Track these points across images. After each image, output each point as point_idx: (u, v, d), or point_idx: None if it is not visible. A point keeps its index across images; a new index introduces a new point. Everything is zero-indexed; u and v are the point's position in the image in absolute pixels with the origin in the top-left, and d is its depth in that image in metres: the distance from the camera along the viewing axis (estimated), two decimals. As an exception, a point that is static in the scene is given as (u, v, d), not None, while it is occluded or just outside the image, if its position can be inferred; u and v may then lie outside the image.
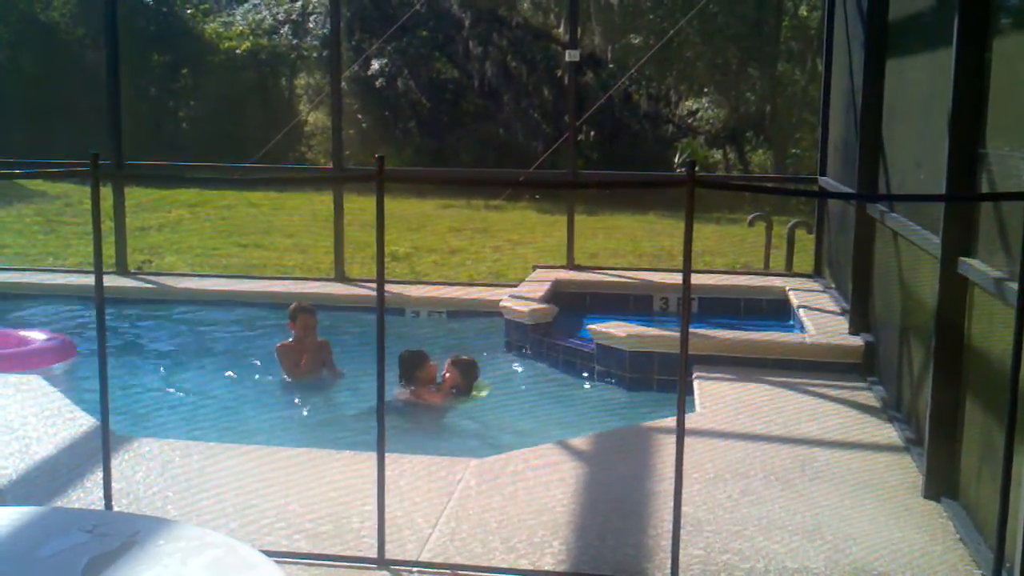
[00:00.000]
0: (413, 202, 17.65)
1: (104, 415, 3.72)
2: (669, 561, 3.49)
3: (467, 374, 6.90)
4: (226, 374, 7.38)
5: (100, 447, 3.80)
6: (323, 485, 4.40)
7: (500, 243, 14.08)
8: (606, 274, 9.32)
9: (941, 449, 4.37)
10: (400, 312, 8.55)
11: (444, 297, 8.85)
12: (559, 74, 22.19)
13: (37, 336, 7.52)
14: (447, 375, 6.90)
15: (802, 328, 7.34)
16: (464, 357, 7.01)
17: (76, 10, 24.89)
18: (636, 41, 21.54)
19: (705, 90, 22.49)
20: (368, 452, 4.16)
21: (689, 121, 22.73)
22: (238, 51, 24.88)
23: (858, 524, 4.07)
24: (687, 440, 3.51)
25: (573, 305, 8.56)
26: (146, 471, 4.51)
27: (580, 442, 5.13)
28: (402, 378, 6.84)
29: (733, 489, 4.42)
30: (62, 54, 23.82)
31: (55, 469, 4.58)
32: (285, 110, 24.07)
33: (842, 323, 7.12)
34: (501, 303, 7.98)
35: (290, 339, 7.24)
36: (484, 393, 6.96)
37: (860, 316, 6.78)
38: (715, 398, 5.89)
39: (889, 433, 5.26)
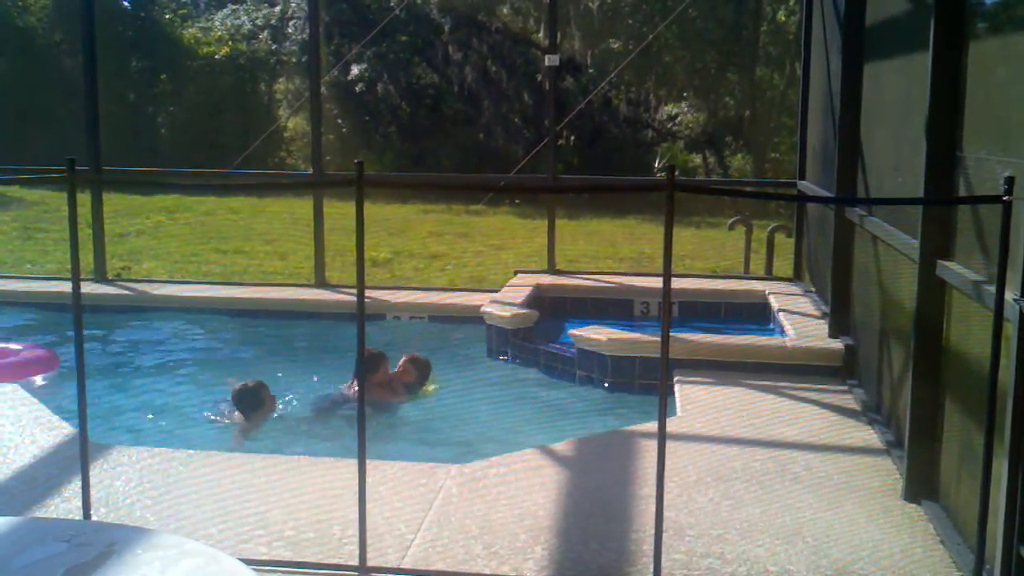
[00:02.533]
0: (393, 207, 17.62)
1: (82, 423, 3.69)
2: (651, 565, 3.48)
3: (423, 373, 7.00)
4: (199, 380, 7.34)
5: (78, 455, 3.77)
6: (304, 492, 4.38)
7: (481, 248, 14.06)
8: (587, 279, 9.32)
9: (921, 451, 4.39)
10: (381, 317, 8.53)
11: (425, 302, 8.83)
12: (539, 79, 22.20)
13: (19, 348, 7.45)
14: (402, 371, 6.93)
15: (782, 332, 7.36)
16: (421, 356, 7.04)
17: (53, 15, 24.74)
18: (615, 46, 21.58)
19: (684, 95, 22.56)
20: (349, 459, 4.14)
21: (669, 126, 22.79)
22: (217, 56, 24.78)
23: (838, 527, 4.08)
24: (668, 444, 3.52)
25: (554, 310, 8.57)
26: (125, 479, 4.47)
27: (562, 447, 5.13)
28: (354, 377, 6.84)
29: (714, 493, 4.42)
30: (39, 59, 23.67)
31: (33, 478, 4.54)
32: (264, 115, 23.98)
33: (822, 326, 7.14)
34: (482, 308, 7.97)
35: None
36: (432, 387, 7.03)
37: (840, 319, 6.81)
38: (696, 402, 5.90)
39: (869, 436, 5.28)
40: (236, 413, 6.27)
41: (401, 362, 7.00)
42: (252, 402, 6.24)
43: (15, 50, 23.76)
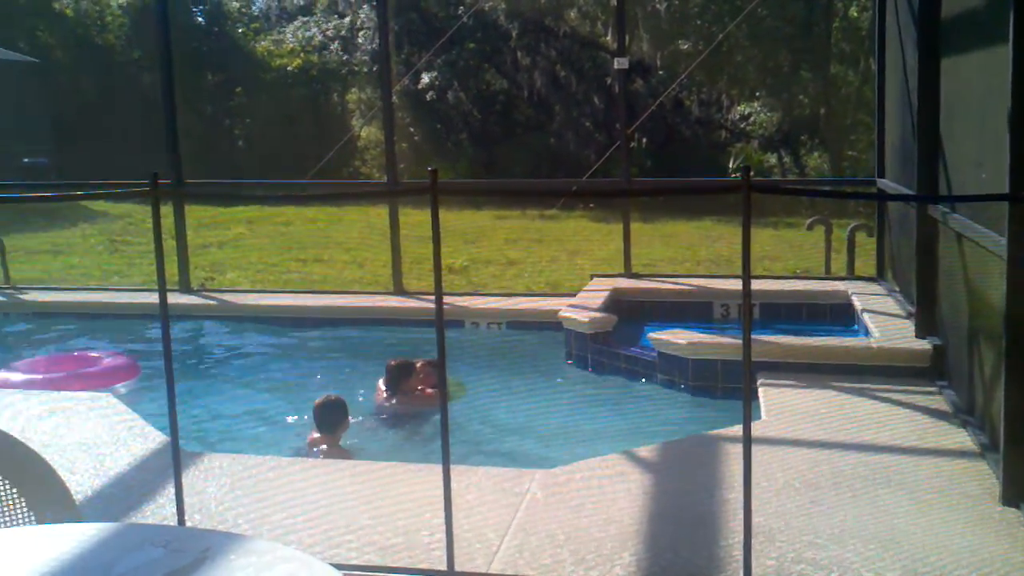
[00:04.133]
0: (468, 214, 17.71)
1: (173, 431, 3.76)
2: (742, 572, 3.43)
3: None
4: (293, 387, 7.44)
5: (171, 463, 3.84)
6: (391, 498, 4.41)
7: (557, 253, 14.05)
8: (664, 282, 9.25)
9: (1018, 454, 4.26)
10: (459, 324, 8.56)
11: (502, 308, 8.83)
12: (608, 82, 22.14)
13: (101, 356, 7.65)
14: (424, 376, 6.94)
15: (867, 332, 7.22)
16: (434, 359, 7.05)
17: (131, 33, 25.41)
18: (685, 47, 21.43)
19: (757, 94, 22.30)
20: (435, 464, 4.16)
21: (742, 126, 22.55)
22: (289, 68, 25.19)
23: (934, 532, 3.98)
24: (754, 448, 3.46)
25: (632, 314, 8.51)
26: (217, 486, 4.55)
27: (645, 452, 5.09)
28: (388, 388, 6.87)
29: (803, 498, 4.35)
30: (119, 76, 24.31)
31: (128, 485, 4.64)
32: (338, 125, 24.31)
33: (908, 326, 6.99)
34: (560, 313, 7.95)
35: None
36: (456, 385, 7.03)
37: (926, 319, 6.65)
38: (780, 405, 5.81)
39: (962, 438, 5.15)
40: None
41: (419, 367, 7.00)
42: (333, 417, 6.23)
43: (96, 68, 24.45)
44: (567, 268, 12.71)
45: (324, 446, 5.91)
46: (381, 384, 6.99)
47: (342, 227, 16.54)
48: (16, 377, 7.11)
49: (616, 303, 8.47)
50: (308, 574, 2.27)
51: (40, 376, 7.09)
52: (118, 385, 7.22)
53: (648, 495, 4.45)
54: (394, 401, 6.83)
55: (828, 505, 4.26)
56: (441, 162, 21.76)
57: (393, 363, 6.93)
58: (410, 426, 6.64)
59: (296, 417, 6.66)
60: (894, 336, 6.79)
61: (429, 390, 6.86)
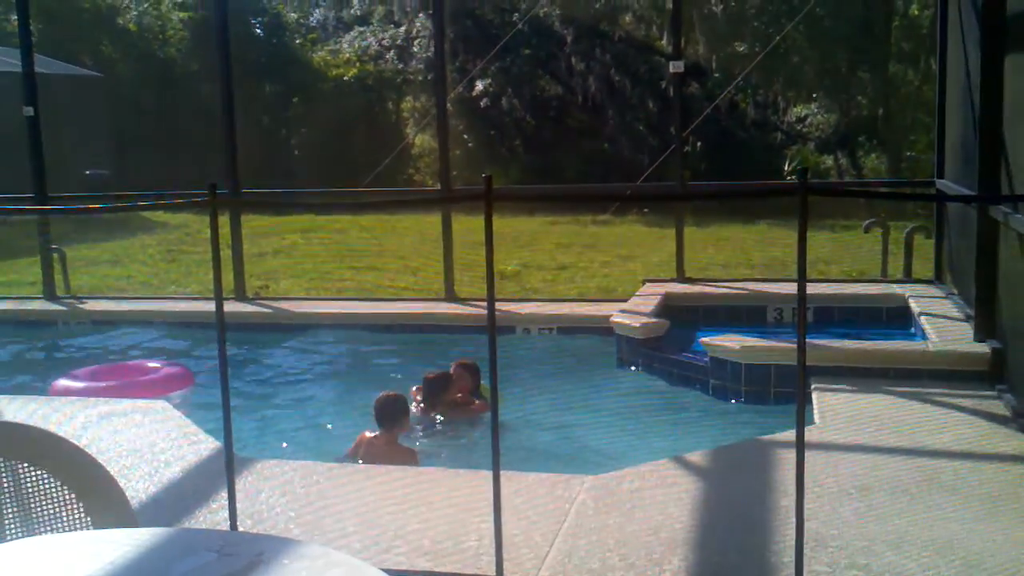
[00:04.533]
0: (520, 220, 17.72)
1: (227, 437, 3.81)
2: (793, 578, 3.40)
3: (475, 374, 6.94)
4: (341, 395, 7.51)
5: (224, 469, 3.90)
6: (440, 504, 4.43)
7: (609, 258, 14.02)
8: (718, 286, 9.19)
9: (1079, 459, 4.17)
10: (511, 330, 8.58)
11: (554, 314, 8.83)
12: (663, 86, 22.04)
13: (157, 365, 7.78)
14: (458, 381, 6.90)
15: (924, 336, 7.10)
16: (466, 360, 7.02)
17: (191, 45, 25.84)
18: (741, 49, 21.27)
19: (814, 95, 22.07)
20: (484, 471, 4.17)
21: (798, 128, 22.32)
22: (346, 78, 25.43)
23: (991, 539, 3.90)
24: (807, 454, 3.42)
25: (685, 319, 8.46)
26: (268, 492, 4.61)
27: (696, 457, 5.06)
28: (425, 401, 6.79)
29: (857, 504, 4.29)
30: (179, 88, 24.72)
31: (182, 491, 4.72)
32: (392, 133, 24.49)
33: (967, 330, 6.86)
34: (612, 318, 7.93)
35: None
36: (485, 384, 6.96)
37: (986, 322, 6.53)
38: (835, 410, 5.74)
39: (1021, 443, 5.04)
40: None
41: (452, 370, 6.98)
42: (393, 414, 6.18)
43: (157, 81, 24.89)
44: (619, 273, 12.67)
45: (382, 444, 5.91)
46: (416, 395, 6.92)
47: (395, 235, 16.65)
48: (76, 385, 7.26)
49: (668, 308, 8.43)
50: (358, 578, 2.29)
51: (98, 384, 7.23)
52: (173, 394, 7.34)
53: (698, 501, 4.43)
54: (433, 414, 6.78)
55: (883, 511, 4.20)
56: (494, 168, 21.81)
57: (431, 376, 6.85)
58: (454, 432, 6.66)
59: (330, 427, 6.69)
60: (952, 339, 6.68)
61: (472, 402, 6.85)
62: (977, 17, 6.83)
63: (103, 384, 7.24)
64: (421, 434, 6.60)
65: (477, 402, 6.88)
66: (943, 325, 7.13)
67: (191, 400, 7.26)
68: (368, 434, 6.01)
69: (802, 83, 21.85)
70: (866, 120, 21.48)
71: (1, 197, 10.68)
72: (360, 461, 5.79)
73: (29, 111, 10.10)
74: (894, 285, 8.87)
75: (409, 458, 5.81)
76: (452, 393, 6.85)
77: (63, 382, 7.36)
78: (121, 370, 7.74)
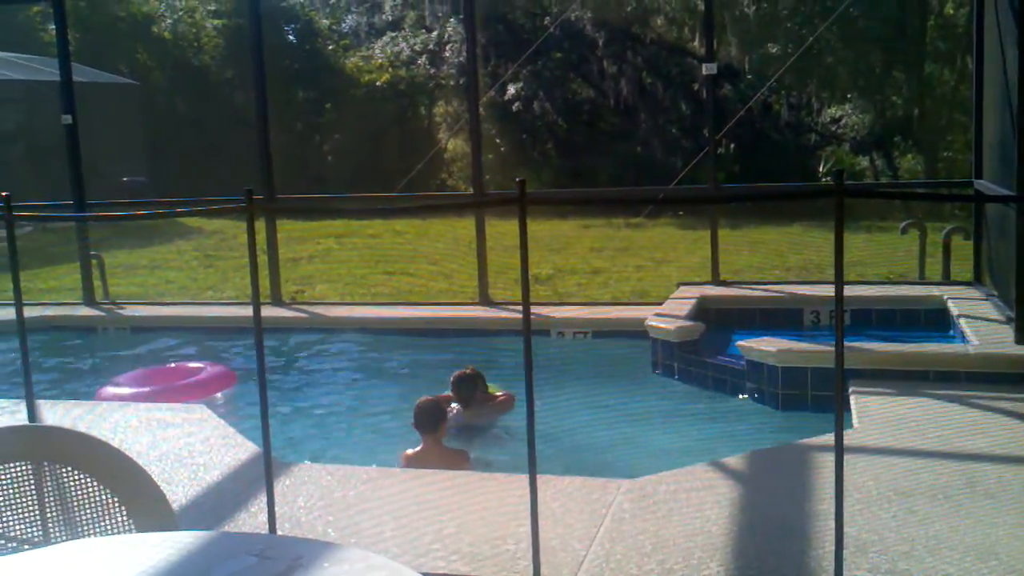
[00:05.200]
0: (553, 223, 17.72)
1: (266, 442, 3.84)
2: (833, 583, 3.37)
3: (481, 378, 6.91)
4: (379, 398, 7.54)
5: (263, 473, 3.92)
6: (478, 507, 4.44)
7: (643, 261, 13.98)
8: (753, 289, 9.14)
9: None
10: (545, 334, 8.57)
11: (588, 317, 8.82)
12: (696, 88, 21.96)
13: (201, 367, 7.86)
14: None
15: (964, 338, 7.02)
16: (463, 371, 6.94)
17: (225, 53, 26.07)
18: (774, 50, 21.15)
19: (848, 96, 21.89)
20: (521, 475, 4.18)
21: (832, 129, 22.15)
22: (378, 83, 25.55)
23: (1035, 544, 3.86)
24: (846, 458, 3.40)
25: (720, 322, 8.42)
26: (306, 496, 4.64)
27: (733, 461, 5.03)
28: (462, 400, 6.75)
29: (897, 508, 4.25)
30: (213, 96, 24.95)
31: (221, 495, 4.76)
32: (425, 138, 24.56)
33: (1007, 332, 6.78)
34: (646, 321, 7.91)
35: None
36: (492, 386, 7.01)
37: (1027, 324, 6.45)
38: (873, 414, 5.69)
39: (1065, 447, 4.98)
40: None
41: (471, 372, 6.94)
42: (436, 417, 6.18)
43: (192, 88, 25.14)
44: (653, 276, 12.63)
45: (431, 450, 5.89)
46: (448, 401, 6.83)
47: (428, 240, 16.70)
48: (119, 390, 7.34)
49: (703, 311, 8.39)
50: (397, 582, 2.30)
51: (142, 388, 7.31)
52: (217, 394, 7.42)
53: (736, 505, 4.40)
54: (466, 413, 6.75)
55: (923, 515, 4.16)
56: (526, 172, 21.82)
57: (466, 372, 6.82)
58: (488, 435, 6.65)
59: (351, 429, 6.72)
60: (993, 342, 6.60)
61: (500, 394, 6.87)
62: (1014, 15, 6.75)
63: (149, 388, 7.30)
64: (457, 433, 6.62)
65: (501, 394, 6.89)
66: (983, 327, 7.05)
67: (234, 402, 7.32)
68: (410, 451, 5.94)
69: (836, 84, 21.69)
70: (901, 120, 21.28)
71: (41, 204, 10.82)
72: None
73: (67, 119, 10.23)
74: (932, 287, 8.78)
75: (462, 460, 5.82)
76: (484, 395, 6.86)
77: (109, 388, 7.43)
78: (165, 373, 7.82)
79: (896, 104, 21.37)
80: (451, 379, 6.83)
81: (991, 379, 6.17)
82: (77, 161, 10.39)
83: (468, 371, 6.86)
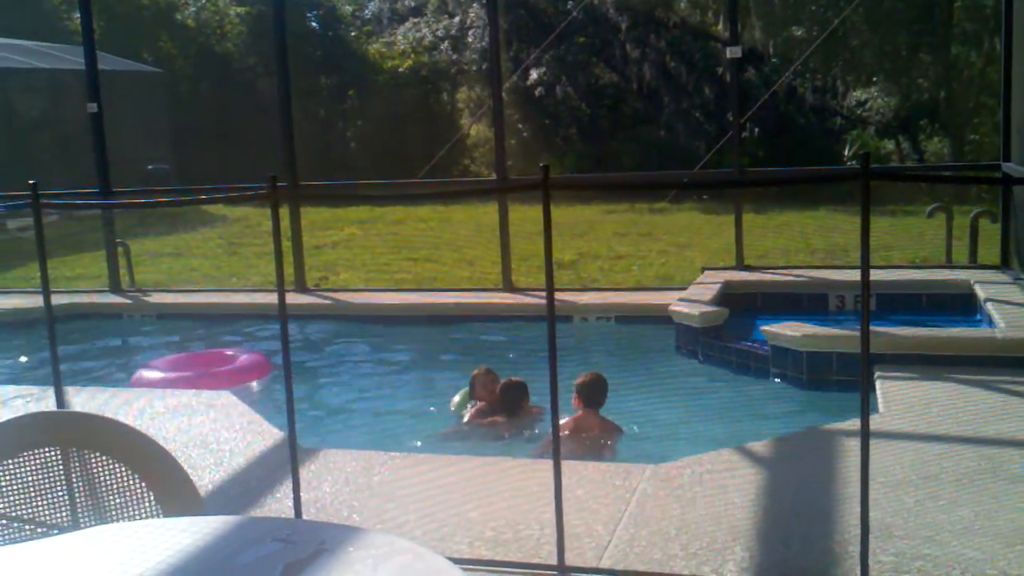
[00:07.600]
0: (576, 208, 17.68)
1: (291, 428, 3.86)
2: (859, 568, 3.36)
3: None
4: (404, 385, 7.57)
5: (288, 459, 3.95)
6: (502, 493, 4.45)
7: (666, 246, 13.94)
8: (777, 274, 9.10)
9: None
10: (568, 319, 8.57)
11: (612, 303, 8.82)
12: (720, 72, 21.82)
13: (238, 355, 7.89)
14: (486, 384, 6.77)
15: (991, 322, 6.97)
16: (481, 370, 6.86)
17: (248, 40, 26.13)
18: (799, 33, 20.99)
19: (874, 79, 21.69)
20: (545, 460, 4.18)
21: (858, 112, 21.96)
22: (400, 70, 25.55)
23: (1063, 529, 3.83)
24: (871, 443, 3.38)
25: (744, 306, 8.39)
26: (331, 481, 4.67)
27: (758, 446, 5.02)
28: (504, 410, 6.54)
29: (922, 493, 4.23)
30: (236, 83, 25.03)
31: (247, 480, 4.79)
32: (448, 124, 24.54)
33: (1035, 316, 6.73)
34: (670, 307, 7.89)
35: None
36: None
37: (1055, 308, 6.40)
38: (899, 398, 5.66)
39: (1093, 431, 4.94)
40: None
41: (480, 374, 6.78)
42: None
43: (215, 76, 25.23)
44: (677, 261, 12.60)
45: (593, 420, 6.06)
46: (480, 384, 6.73)
47: (451, 226, 16.72)
48: (154, 375, 7.37)
49: (728, 296, 8.36)
50: (424, 566, 2.31)
51: (179, 374, 7.32)
52: (252, 382, 7.43)
53: (760, 490, 4.40)
54: (511, 422, 6.53)
55: (949, 500, 4.14)
56: (549, 157, 21.75)
57: (512, 381, 6.57)
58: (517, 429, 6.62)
59: (375, 416, 6.73)
60: (1020, 326, 6.55)
61: (534, 408, 6.75)
62: (1044, -5, 6.67)
63: (183, 374, 7.32)
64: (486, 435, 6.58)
65: (535, 408, 6.75)
66: (1011, 311, 6.99)
67: (268, 389, 7.34)
68: (568, 419, 5.95)
69: (861, 67, 21.49)
70: (928, 103, 21.07)
71: (67, 192, 10.91)
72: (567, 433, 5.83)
73: (93, 107, 10.30)
74: (959, 271, 8.71)
75: (617, 433, 6.08)
76: (528, 405, 6.61)
77: (145, 373, 7.46)
78: (200, 359, 7.85)
79: (922, 87, 21.15)
80: (499, 386, 6.58)
81: (1018, 363, 6.11)
82: (102, 149, 10.46)
83: (515, 380, 6.59)
